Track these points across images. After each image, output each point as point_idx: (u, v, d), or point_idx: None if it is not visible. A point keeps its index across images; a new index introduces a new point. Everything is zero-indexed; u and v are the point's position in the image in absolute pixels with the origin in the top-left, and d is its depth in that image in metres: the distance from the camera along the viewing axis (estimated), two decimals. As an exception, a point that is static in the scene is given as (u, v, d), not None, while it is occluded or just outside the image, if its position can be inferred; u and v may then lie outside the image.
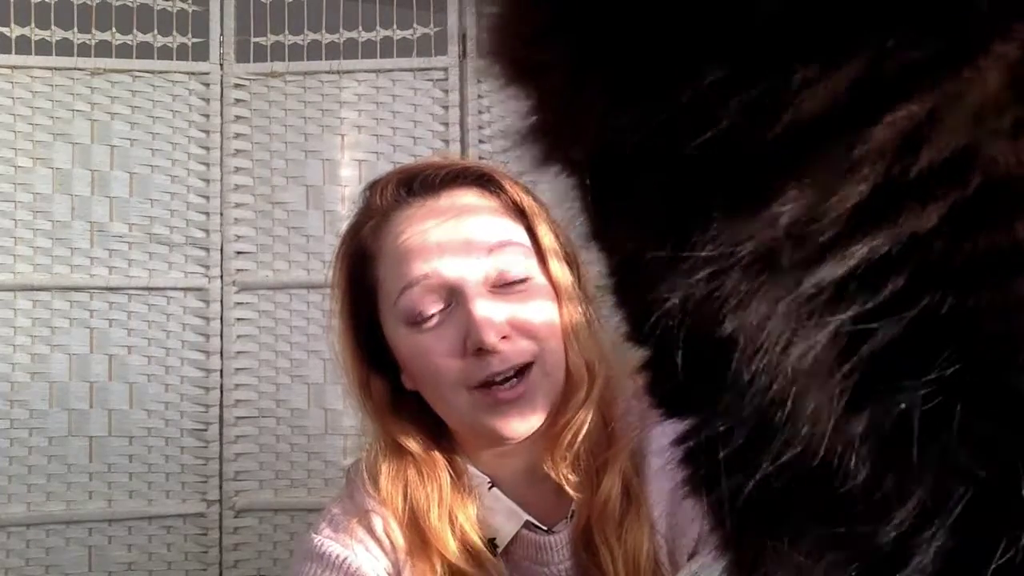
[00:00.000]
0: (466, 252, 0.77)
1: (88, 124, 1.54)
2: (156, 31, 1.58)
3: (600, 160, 0.25)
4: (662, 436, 0.79)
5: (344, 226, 0.88)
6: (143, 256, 1.54)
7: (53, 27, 1.54)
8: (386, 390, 0.83)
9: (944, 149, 0.18)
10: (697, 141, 0.21)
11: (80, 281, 1.52)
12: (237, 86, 1.58)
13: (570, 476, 0.78)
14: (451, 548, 0.78)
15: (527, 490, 0.82)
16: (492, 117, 1.58)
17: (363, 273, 0.82)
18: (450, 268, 0.77)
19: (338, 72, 1.59)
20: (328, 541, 0.81)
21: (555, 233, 0.82)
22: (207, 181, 1.56)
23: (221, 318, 1.54)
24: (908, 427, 0.20)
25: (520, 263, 0.79)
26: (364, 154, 1.59)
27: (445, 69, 1.59)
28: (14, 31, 1.53)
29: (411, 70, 1.60)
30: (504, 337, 0.76)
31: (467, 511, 0.80)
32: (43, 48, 1.54)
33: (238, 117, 1.57)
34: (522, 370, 0.77)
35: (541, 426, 0.78)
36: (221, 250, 1.55)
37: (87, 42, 1.56)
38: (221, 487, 1.52)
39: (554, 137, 0.27)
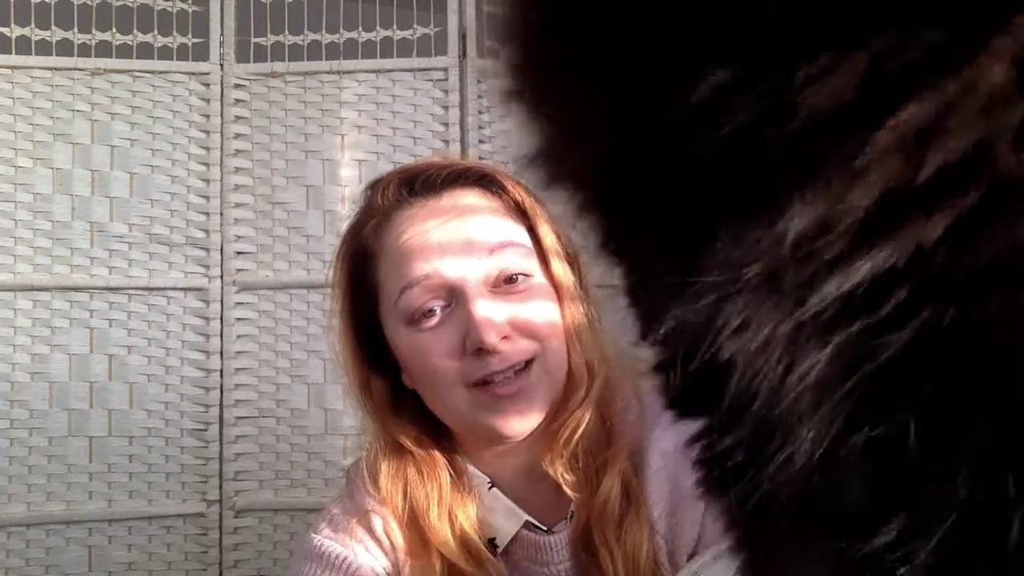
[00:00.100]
0: (467, 252, 0.77)
1: (88, 124, 1.54)
2: (156, 31, 1.58)
3: (607, 173, 0.25)
4: (662, 437, 0.80)
5: (345, 225, 0.88)
6: (143, 256, 1.54)
7: (53, 27, 1.55)
8: (386, 389, 0.83)
9: (952, 151, 0.18)
10: (702, 147, 0.21)
11: (80, 281, 1.52)
12: (237, 86, 1.58)
13: (567, 475, 0.78)
14: (451, 547, 0.78)
15: (527, 490, 0.82)
16: (492, 117, 1.58)
17: (364, 273, 0.82)
18: (451, 268, 0.77)
19: (338, 72, 1.59)
20: (328, 541, 0.81)
21: (556, 233, 0.82)
22: (207, 181, 1.56)
23: (221, 318, 1.54)
24: (906, 444, 0.20)
25: (521, 263, 0.79)
26: (364, 154, 1.59)
27: (445, 69, 1.59)
28: (14, 31, 1.54)
29: (411, 70, 1.60)
30: (505, 337, 0.76)
31: (467, 510, 0.80)
32: (43, 48, 1.54)
33: (238, 117, 1.57)
34: (522, 367, 0.77)
35: (540, 425, 0.78)
36: (221, 250, 1.55)
37: (87, 42, 1.56)
38: (221, 487, 1.52)
39: (561, 151, 0.27)
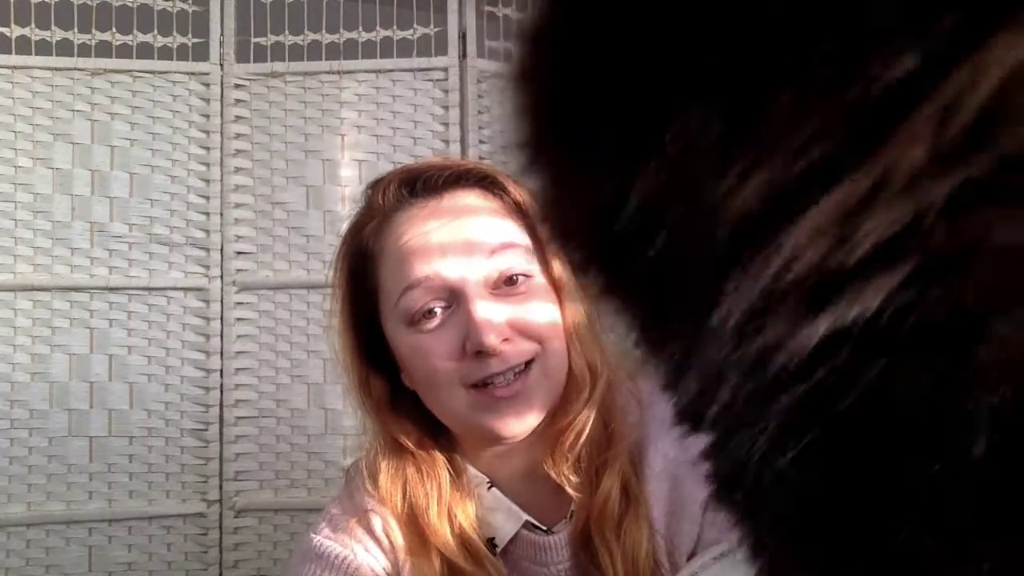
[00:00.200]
0: (468, 253, 0.77)
1: (88, 124, 1.54)
2: (156, 31, 1.58)
3: (601, 237, 0.25)
4: (662, 437, 0.80)
5: (345, 225, 0.88)
6: (143, 256, 1.54)
7: (53, 27, 1.55)
8: (385, 389, 0.83)
9: (880, 232, 0.18)
10: (646, 247, 0.22)
11: (80, 281, 1.52)
12: (237, 86, 1.58)
13: (572, 477, 0.78)
14: (450, 545, 0.78)
15: (526, 490, 0.82)
16: (492, 117, 1.58)
17: (364, 273, 0.82)
18: (451, 269, 0.77)
19: (338, 72, 1.59)
20: (327, 541, 0.81)
21: None
22: (207, 181, 1.56)
23: (221, 318, 1.54)
24: (848, 499, 0.21)
25: (522, 264, 0.79)
26: (364, 154, 1.59)
27: (445, 69, 1.59)
28: (14, 31, 1.54)
29: (411, 70, 1.60)
30: (505, 339, 0.76)
31: (466, 510, 0.80)
32: (43, 48, 1.55)
33: (238, 117, 1.57)
34: (521, 369, 0.77)
35: (539, 426, 0.78)
36: (221, 250, 1.55)
37: (87, 42, 1.56)
38: (221, 487, 1.52)
39: (552, 218, 0.27)
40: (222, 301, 1.54)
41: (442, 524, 0.78)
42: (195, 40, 1.59)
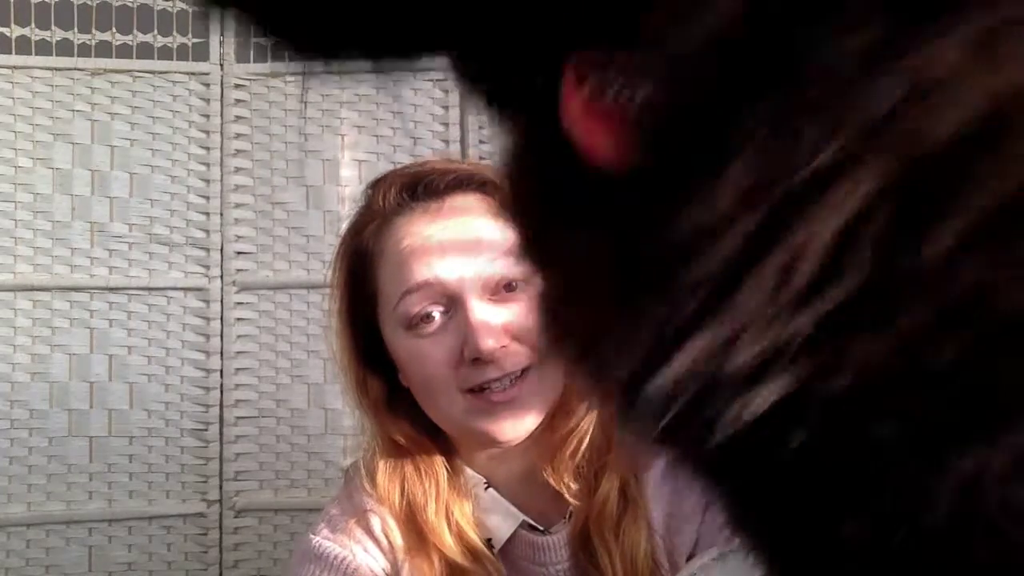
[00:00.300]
0: (467, 257, 0.77)
1: (88, 124, 1.54)
2: (156, 31, 1.58)
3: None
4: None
5: (345, 225, 0.88)
6: (143, 256, 1.54)
7: (53, 27, 1.55)
8: (383, 389, 0.84)
9: (749, 363, 0.20)
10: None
11: (80, 281, 1.52)
12: (237, 86, 1.58)
13: (572, 484, 0.78)
14: (448, 544, 0.78)
15: (524, 491, 0.82)
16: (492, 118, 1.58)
17: (363, 274, 0.82)
18: (451, 274, 0.77)
19: (338, 72, 1.58)
20: (326, 542, 0.81)
21: None
22: (207, 181, 1.56)
23: (221, 318, 1.54)
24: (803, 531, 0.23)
25: (520, 270, 0.79)
26: (364, 154, 1.59)
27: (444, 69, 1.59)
28: (14, 31, 1.54)
29: (411, 70, 1.59)
30: (503, 346, 0.76)
31: (463, 509, 0.80)
32: (43, 48, 1.54)
33: (238, 117, 1.57)
34: (518, 375, 0.77)
35: (536, 429, 0.78)
36: (221, 250, 1.55)
37: (87, 42, 1.56)
38: (221, 487, 1.52)
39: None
40: (222, 301, 1.54)
41: (440, 522, 0.79)
42: (195, 40, 1.59)
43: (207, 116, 1.57)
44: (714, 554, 0.72)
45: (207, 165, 1.56)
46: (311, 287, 1.54)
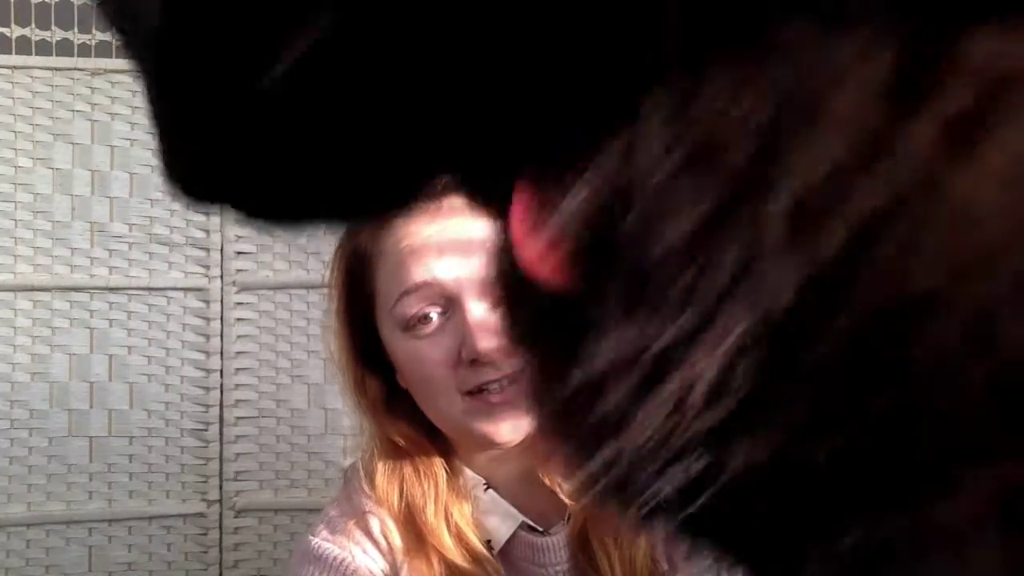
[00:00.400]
0: (465, 259, 0.77)
1: (88, 124, 1.54)
2: (156, 31, 1.58)
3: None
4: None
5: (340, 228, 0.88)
6: (143, 256, 1.54)
7: (53, 27, 1.55)
8: (381, 389, 0.83)
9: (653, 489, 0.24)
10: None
11: (80, 281, 1.52)
12: (237, 86, 1.57)
13: (566, 485, 0.78)
14: (447, 545, 0.78)
15: (523, 492, 0.82)
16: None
17: (361, 275, 0.82)
18: (448, 275, 0.76)
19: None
20: (325, 543, 0.81)
21: None
22: (207, 181, 1.56)
23: (221, 318, 1.54)
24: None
25: None
26: (364, 154, 1.59)
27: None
28: (14, 31, 1.54)
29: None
30: (501, 347, 0.76)
31: (462, 510, 0.80)
32: (43, 48, 1.55)
33: (238, 117, 1.57)
34: (516, 376, 0.77)
35: (534, 430, 0.78)
36: (221, 250, 1.55)
37: (87, 42, 1.56)
38: (221, 487, 1.52)
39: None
40: (222, 301, 1.54)
41: (439, 523, 0.79)
42: (195, 40, 1.59)
43: (207, 116, 1.57)
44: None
45: (207, 165, 1.56)
46: (311, 287, 1.54)
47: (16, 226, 1.51)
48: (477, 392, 0.76)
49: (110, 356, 1.52)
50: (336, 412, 1.53)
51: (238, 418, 1.53)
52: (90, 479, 1.50)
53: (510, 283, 0.30)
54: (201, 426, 1.53)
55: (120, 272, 1.53)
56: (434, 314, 0.77)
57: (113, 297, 1.53)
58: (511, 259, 0.28)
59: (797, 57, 0.21)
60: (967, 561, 0.21)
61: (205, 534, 1.52)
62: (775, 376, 0.21)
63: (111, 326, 1.53)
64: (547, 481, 0.79)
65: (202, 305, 1.55)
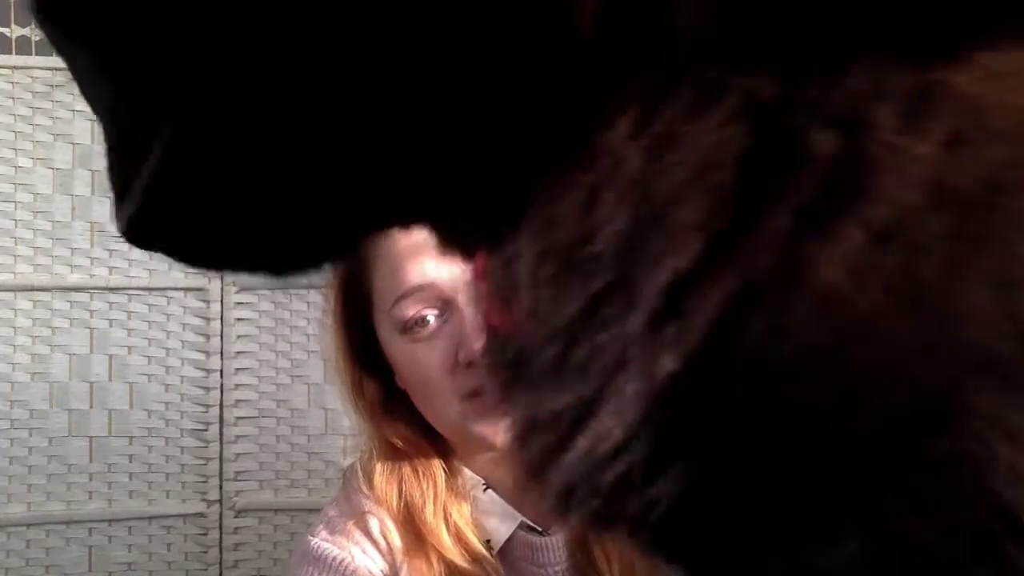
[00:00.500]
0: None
1: (88, 124, 1.54)
2: (156, 31, 1.58)
3: None
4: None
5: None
6: (143, 256, 1.54)
7: (53, 27, 1.55)
8: (379, 391, 0.83)
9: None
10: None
11: (80, 281, 1.52)
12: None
13: None
14: (446, 545, 0.78)
15: (522, 493, 0.82)
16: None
17: (358, 277, 0.82)
18: (445, 278, 0.76)
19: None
20: (325, 544, 0.80)
21: None
22: (207, 181, 1.56)
23: (221, 318, 1.54)
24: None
25: None
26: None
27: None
28: (14, 31, 1.54)
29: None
30: None
31: (461, 510, 0.80)
32: (43, 48, 1.54)
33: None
34: None
35: None
36: (221, 250, 1.55)
37: (87, 42, 1.56)
38: (221, 487, 1.52)
39: None
40: (222, 301, 1.54)
41: (438, 523, 0.78)
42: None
43: (207, 116, 1.57)
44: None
45: (207, 165, 1.56)
46: (311, 287, 1.54)
47: (16, 226, 1.51)
48: (475, 394, 0.76)
49: (110, 356, 1.52)
50: (336, 412, 1.53)
51: (238, 418, 1.53)
52: (90, 479, 1.50)
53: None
54: (201, 426, 1.53)
55: (120, 272, 1.53)
56: (431, 317, 0.77)
57: (113, 297, 1.53)
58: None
59: (646, 160, 0.23)
60: None
61: (205, 534, 1.52)
62: (673, 436, 0.25)
63: (111, 326, 1.53)
64: None
65: (202, 305, 1.55)
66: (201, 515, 1.52)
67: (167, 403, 1.53)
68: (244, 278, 1.54)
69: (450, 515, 0.79)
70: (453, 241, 0.35)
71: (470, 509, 0.80)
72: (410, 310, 0.77)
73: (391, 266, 0.78)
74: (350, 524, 0.81)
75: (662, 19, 0.23)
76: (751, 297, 0.23)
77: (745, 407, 0.23)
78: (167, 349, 1.54)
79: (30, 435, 1.49)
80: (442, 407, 0.78)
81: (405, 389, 0.82)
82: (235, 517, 1.52)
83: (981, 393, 0.21)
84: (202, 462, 1.53)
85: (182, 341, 1.54)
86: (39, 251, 1.51)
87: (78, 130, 1.53)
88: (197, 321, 1.54)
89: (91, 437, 1.50)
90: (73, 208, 1.53)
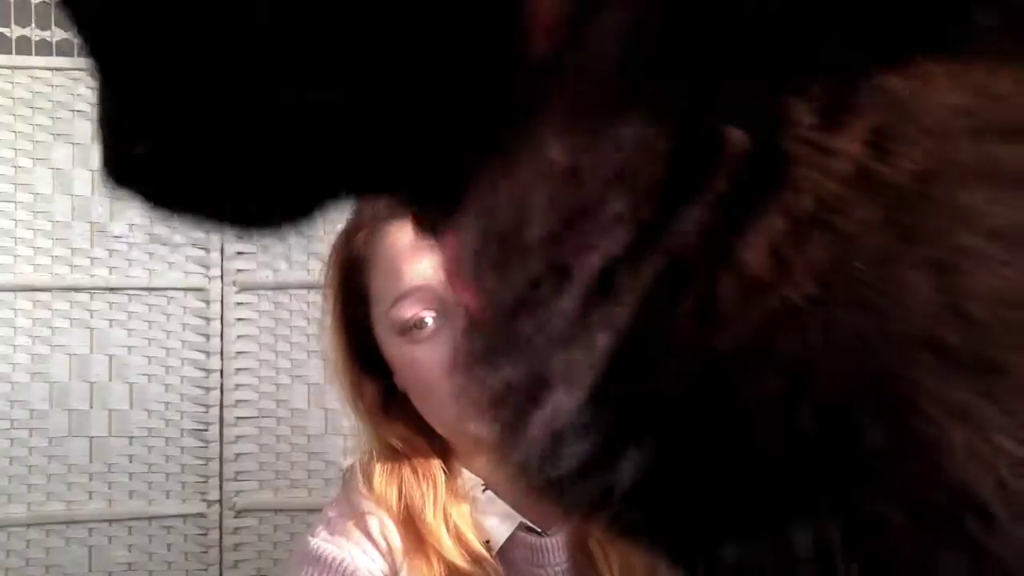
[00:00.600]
0: None
1: (88, 124, 1.54)
2: (156, 31, 1.57)
3: None
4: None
5: (339, 228, 0.88)
6: (143, 256, 1.54)
7: (53, 27, 1.54)
8: (378, 392, 0.83)
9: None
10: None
11: (80, 281, 1.52)
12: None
13: None
14: (446, 545, 0.78)
15: (522, 494, 0.82)
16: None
17: (357, 278, 0.82)
18: (443, 279, 0.76)
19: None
20: (324, 544, 0.80)
21: None
22: (207, 181, 1.56)
23: (221, 318, 1.54)
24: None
25: None
26: (364, 154, 1.58)
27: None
28: (14, 31, 1.54)
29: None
30: None
31: (461, 511, 0.80)
32: (43, 48, 1.54)
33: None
34: None
35: None
36: (221, 250, 1.55)
37: (87, 42, 1.56)
38: (221, 487, 1.52)
39: None
40: (222, 301, 1.54)
41: (438, 524, 0.78)
42: (195, 40, 1.59)
43: (207, 116, 1.56)
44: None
45: (207, 165, 1.56)
46: (311, 287, 1.54)
47: (16, 226, 1.51)
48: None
49: (110, 356, 1.52)
50: (336, 412, 1.53)
51: (238, 418, 1.53)
52: (90, 479, 1.50)
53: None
54: (201, 426, 1.53)
55: (120, 272, 1.53)
56: (430, 318, 0.77)
57: (113, 297, 1.53)
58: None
59: (575, 157, 0.25)
60: None
61: (205, 534, 1.52)
62: (623, 417, 0.25)
63: (111, 326, 1.52)
64: None
65: (202, 305, 1.55)
66: (201, 515, 1.52)
67: (167, 403, 1.53)
68: (244, 277, 1.54)
69: (450, 516, 0.79)
70: (422, 222, 0.36)
71: (470, 510, 0.80)
72: (408, 311, 0.77)
73: (389, 267, 0.78)
74: (350, 525, 0.81)
75: (596, 36, 0.24)
76: (678, 279, 0.23)
77: (688, 392, 0.24)
78: (167, 349, 1.54)
79: (30, 435, 1.49)
80: (441, 408, 0.78)
81: (404, 390, 0.81)
82: (235, 517, 1.52)
83: (928, 378, 0.21)
84: (202, 462, 1.53)
85: (182, 341, 1.54)
86: (39, 251, 1.51)
87: (78, 130, 1.53)
88: (197, 321, 1.54)
89: (91, 437, 1.50)
90: (73, 208, 1.53)
